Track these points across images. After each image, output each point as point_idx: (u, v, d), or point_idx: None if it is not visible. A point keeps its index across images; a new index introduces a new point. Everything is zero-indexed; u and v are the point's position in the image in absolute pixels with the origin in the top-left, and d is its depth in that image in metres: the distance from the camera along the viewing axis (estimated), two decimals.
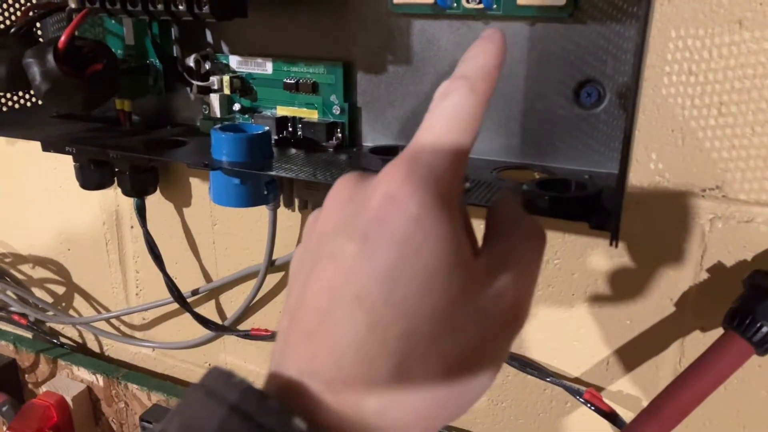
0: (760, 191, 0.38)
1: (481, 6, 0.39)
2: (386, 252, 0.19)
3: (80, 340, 0.73)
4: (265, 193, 0.45)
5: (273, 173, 0.40)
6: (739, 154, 0.37)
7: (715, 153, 0.38)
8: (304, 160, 0.44)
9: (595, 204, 0.32)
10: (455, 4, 0.40)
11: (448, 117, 0.21)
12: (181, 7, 0.38)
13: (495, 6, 0.39)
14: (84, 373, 0.67)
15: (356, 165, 0.42)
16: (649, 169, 0.40)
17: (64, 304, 0.71)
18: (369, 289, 0.19)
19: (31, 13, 0.49)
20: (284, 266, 0.55)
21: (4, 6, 0.54)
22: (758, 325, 0.33)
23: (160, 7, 0.39)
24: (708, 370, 0.34)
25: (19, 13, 0.54)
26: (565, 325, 0.46)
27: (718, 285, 0.40)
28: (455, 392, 0.20)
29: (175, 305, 0.59)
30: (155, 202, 0.59)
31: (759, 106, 0.36)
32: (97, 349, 0.72)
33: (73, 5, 0.43)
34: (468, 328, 0.19)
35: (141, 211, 0.56)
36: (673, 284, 0.41)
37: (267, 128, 0.43)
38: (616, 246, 0.30)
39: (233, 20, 0.43)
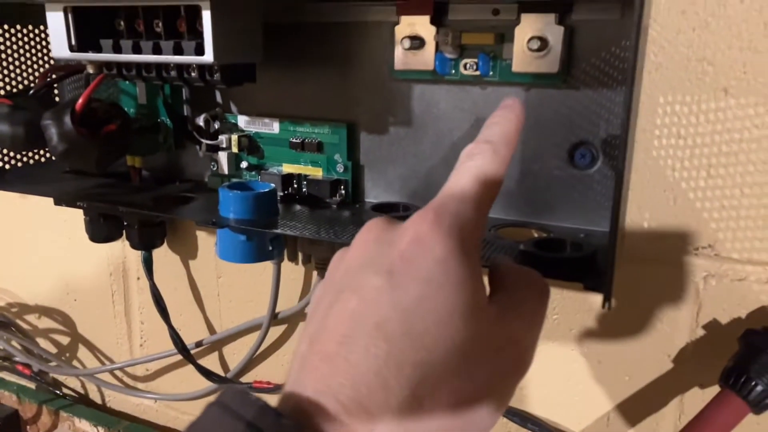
0: (751, 250, 0.39)
1: (477, 73, 0.41)
2: (410, 287, 0.20)
3: (83, 391, 0.73)
4: (270, 249, 0.46)
5: (278, 231, 0.41)
6: (729, 214, 0.39)
7: (706, 213, 0.39)
8: (308, 217, 0.45)
9: (590, 265, 0.34)
10: (453, 71, 0.42)
11: (474, 174, 0.23)
12: (193, 74, 0.40)
13: (491, 73, 0.41)
14: (85, 425, 0.67)
15: (358, 221, 0.43)
16: (642, 228, 0.41)
17: (68, 355, 0.71)
18: (390, 319, 0.20)
19: (49, 76, 0.52)
20: (287, 319, 0.56)
21: (23, 67, 0.57)
22: (753, 383, 0.34)
23: (173, 74, 0.41)
24: (705, 428, 0.35)
25: (37, 74, 0.57)
26: (566, 380, 0.46)
27: (715, 342, 0.40)
28: (461, 426, 0.21)
29: (179, 357, 0.60)
30: (162, 254, 0.60)
31: (746, 168, 0.38)
32: (99, 401, 0.72)
33: (90, 70, 0.45)
34: (479, 366, 0.21)
35: (148, 264, 0.57)
36: (670, 341, 0.42)
37: (273, 186, 0.45)
38: (609, 308, 0.31)
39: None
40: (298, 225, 0.43)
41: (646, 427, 0.44)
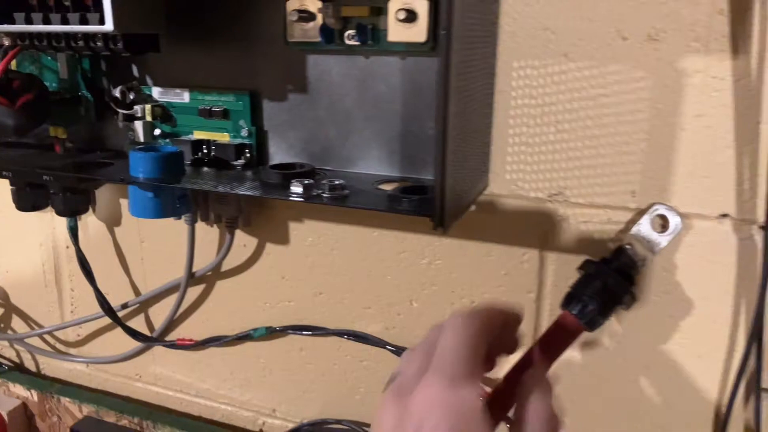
0: (593, 195, 0.45)
1: (358, 43, 0.46)
2: None
3: (18, 360, 0.76)
4: (178, 205, 0.50)
5: (179, 185, 0.46)
6: (575, 164, 0.45)
7: (556, 164, 0.45)
8: (212, 176, 0.49)
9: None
10: (339, 41, 0.47)
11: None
12: (99, 44, 0.44)
13: (370, 42, 0.46)
14: (19, 390, 0.70)
15: (258, 178, 0.48)
16: (505, 179, 0.47)
17: (2, 325, 0.74)
18: None
19: None
20: (205, 278, 0.60)
21: None
22: (586, 305, 0.39)
23: (81, 43, 0.44)
24: (547, 345, 0.40)
25: None
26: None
27: (569, 276, 0.46)
28: None
29: (107, 320, 0.63)
30: (89, 222, 0.64)
31: (586, 123, 0.43)
32: (33, 368, 0.75)
33: (6, 42, 0.48)
34: None
35: (74, 231, 0.61)
36: (533, 278, 0.48)
37: (179, 149, 0.49)
38: (443, 233, 0.36)
39: (158, 55, 0.49)
40: (200, 182, 0.47)
41: None
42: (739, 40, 0.39)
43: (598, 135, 0.43)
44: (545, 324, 0.49)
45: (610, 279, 0.40)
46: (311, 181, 0.43)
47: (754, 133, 0.40)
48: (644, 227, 0.42)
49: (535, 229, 0.47)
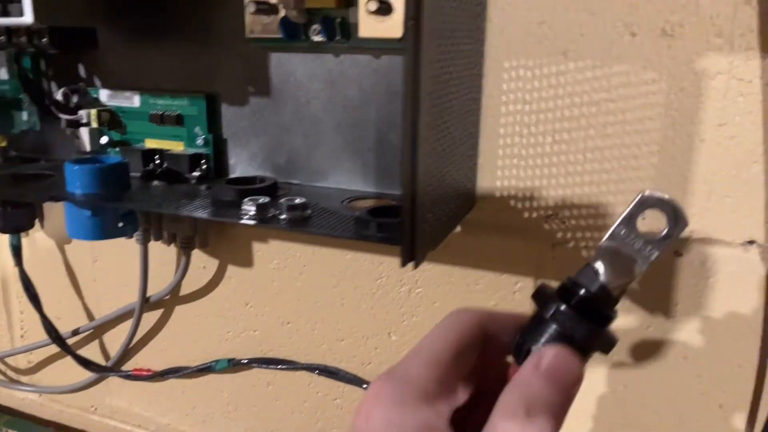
0: (596, 217, 0.38)
1: (324, 39, 0.39)
2: None
3: None
4: (121, 224, 0.44)
5: (113, 204, 0.40)
6: (575, 180, 0.38)
7: (554, 180, 0.39)
8: (161, 192, 0.43)
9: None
10: (303, 37, 0.40)
11: None
12: (22, 39, 0.38)
13: (339, 38, 0.40)
14: None
15: (212, 196, 0.42)
16: (495, 197, 0.40)
17: None
18: None
19: None
20: (162, 303, 0.54)
21: None
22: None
23: (2, 38, 0.38)
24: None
25: None
26: None
27: None
28: None
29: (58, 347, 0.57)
30: (38, 239, 0.58)
31: (588, 133, 0.37)
32: None
33: None
34: None
35: (16, 250, 0.54)
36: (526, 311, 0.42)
37: (123, 159, 0.43)
38: (415, 267, 0.30)
39: (106, 54, 0.43)
40: (144, 199, 0.41)
41: None
42: None
43: (602, 147, 0.37)
44: None
45: (568, 322, 0.25)
46: (267, 199, 0.37)
47: None
48: (624, 230, 0.26)
49: (530, 254, 0.41)
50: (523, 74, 0.38)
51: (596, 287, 0.25)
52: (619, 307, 0.36)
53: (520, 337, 0.26)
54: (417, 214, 0.28)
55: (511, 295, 0.42)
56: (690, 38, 0.34)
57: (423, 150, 0.28)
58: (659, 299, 0.38)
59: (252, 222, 0.36)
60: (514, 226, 0.40)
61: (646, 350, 0.40)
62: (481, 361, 0.26)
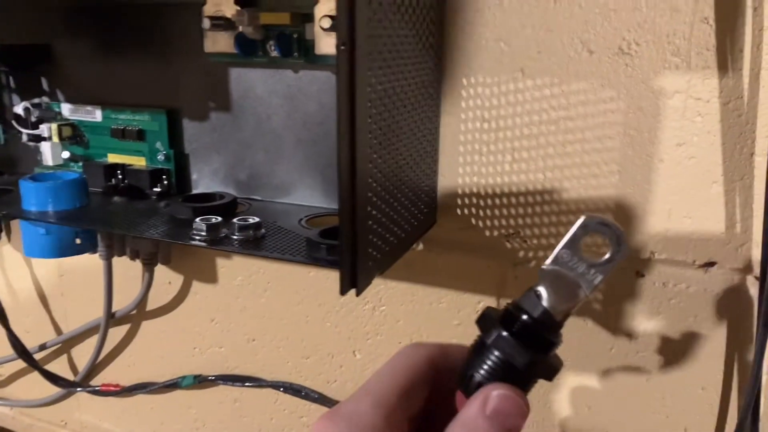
0: (556, 236, 0.38)
1: (280, 55, 0.39)
2: None
3: None
4: (79, 242, 0.43)
5: (70, 223, 0.39)
6: (535, 199, 0.38)
7: (514, 198, 0.38)
8: (119, 209, 0.42)
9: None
10: (261, 53, 0.40)
11: None
12: None
13: (296, 54, 0.39)
14: None
15: (166, 213, 0.41)
16: (456, 215, 0.40)
17: None
18: None
19: None
20: (129, 318, 0.53)
21: None
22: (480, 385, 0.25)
23: None
24: None
25: None
26: None
27: None
28: None
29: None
30: (6, 253, 0.57)
31: (546, 151, 0.37)
32: None
33: None
34: None
35: None
36: None
37: (78, 176, 0.42)
38: (357, 294, 0.29)
39: (68, 68, 0.42)
40: (101, 217, 0.40)
41: None
42: (727, 54, 0.32)
43: (561, 165, 0.36)
44: None
45: (509, 349, 0.25)
46: (219, 219, 0.36)
47: (746, 166, 0.33)
48: (567, 253, 0.25)
49: (492, 273, 0.40)
50: (481, 92, 0.37)
51: (539, 312, 0.24)
52: (579, 327, 0.35)
53: (464, 366, 0.25)
54: (358, 239, 0.27)
55: (474, 313, 0.41)
56: (647, 57, 0.33)
57: (363, 172, 0.27)
58: (621, 320, 0.38)
59: (202, 244, 0.35)
60: (476, 245, 0.40)
61: (609, 371, 0.39)
62: (432, 396, 0.25)
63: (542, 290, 0.24)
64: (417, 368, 0.25)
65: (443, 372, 0.25)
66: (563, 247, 0.24)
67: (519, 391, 0.23)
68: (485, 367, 0.24)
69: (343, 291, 0.27)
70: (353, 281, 0.27)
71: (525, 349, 0.24)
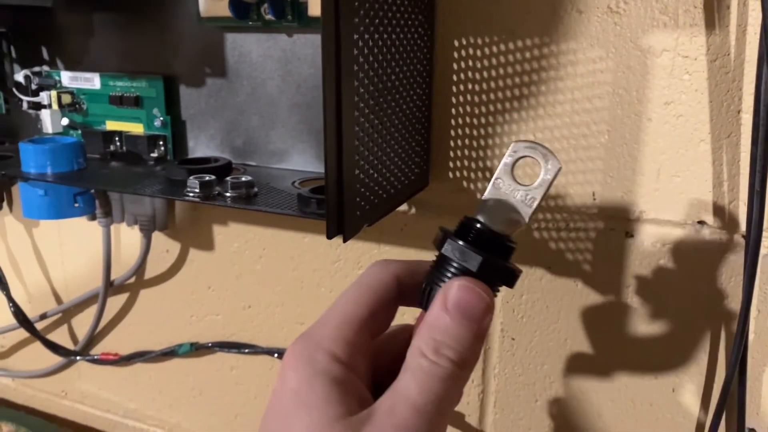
0: (548, 197, 0.38)
1: (274, 18, 0.39)
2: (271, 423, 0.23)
3: None
4: (77, 204, 0.44)
5: (68, 182, 0.40)
6: (526, 160, 0.38)
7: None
8: (116, 172, 0.43)
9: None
10: (256, 16, 0.40)
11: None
12: None
13: (290, 17, 0.39)
14: None
15: (164, 175, 0.42)
16: (448, 178, 0.40)
17: None
18: None
19: None
20: (128, 286, 0.54)
21: None
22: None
23: None
24: None
25: None
26: None
27: (527, 288, 0.40)
28: None
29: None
30: (7, 223, 0.58)
31: (537, 112, 0.37)
32: None
33: None
34: None
35: None
36: None
37: (76, 140, 0.43)
38: (344, 240, 0.30)
39: (68, 36, 0.43)
40: (97, 179, 0.41)
41: None
42: (714, 11, 0.32)
43: (552, 126, 0.37)
44: (497, 350, 0.42)
45: (464, 255, 0.24)
46: (212, 177, 0.37)
47: (733, 123, 0.33)
48: (502, 183, 0.25)
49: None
50: (472, 53, 0.38)
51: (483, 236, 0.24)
52: (568, 288, 0.36)
53: (425, 283, 0.25)
54: (345, 183, 0.27)
55: None
56: (635, 15, 0.34)
57: (350, 118, 0.28)
58: (610, 281, 0.38)
59: (196, 199, 0.36)
60: (468, 208, 0.40)
61: (598, 331, 0.39)
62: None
63: (482, 219, 0.25)
64: (383, 287, 0.25)
65: (410, 288, 0.25)
66: (498, 176, 0.25)
67: (480, 283, 0.23)
68: (443, 279, 0.24)
69: (330, 235, 0.28)
70: (340, 227, 0.28)
71: (480, 253, 0.24)
